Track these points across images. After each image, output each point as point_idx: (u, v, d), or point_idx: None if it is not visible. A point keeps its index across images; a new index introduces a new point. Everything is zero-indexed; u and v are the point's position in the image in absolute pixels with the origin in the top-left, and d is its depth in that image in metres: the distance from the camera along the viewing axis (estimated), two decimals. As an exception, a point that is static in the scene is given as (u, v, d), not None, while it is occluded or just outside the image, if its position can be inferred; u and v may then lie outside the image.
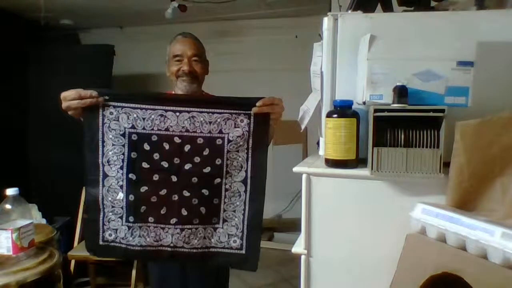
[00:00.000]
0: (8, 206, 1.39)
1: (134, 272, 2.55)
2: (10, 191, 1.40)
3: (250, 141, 1.24)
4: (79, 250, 2.51)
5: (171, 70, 1.49)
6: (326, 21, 1.06)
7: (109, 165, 1.22)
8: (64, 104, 1.17)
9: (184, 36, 1.52)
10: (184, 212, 1.24)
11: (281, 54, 3.82)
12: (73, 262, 2.59)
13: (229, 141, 1.22)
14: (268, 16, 3.80)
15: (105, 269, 2.89)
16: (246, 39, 4.01)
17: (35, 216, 2.65)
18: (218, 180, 1.25)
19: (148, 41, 3.76)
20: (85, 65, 3.10)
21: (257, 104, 1.19)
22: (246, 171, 1.26)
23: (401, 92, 0.91)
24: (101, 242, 1.25)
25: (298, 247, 1.07)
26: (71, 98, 1.16)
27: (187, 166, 1.23)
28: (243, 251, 1.27)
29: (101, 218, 1.24)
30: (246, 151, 1.25)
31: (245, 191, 1.27)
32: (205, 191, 1.25)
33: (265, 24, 3.91)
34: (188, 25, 3.27)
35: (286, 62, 3.70)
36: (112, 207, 1.24)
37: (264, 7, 3.55)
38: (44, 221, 2.78)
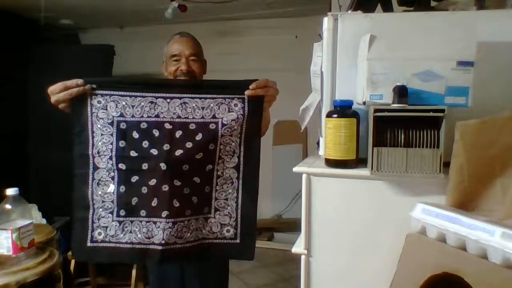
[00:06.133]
0: (8, 206, 1.38)
1: (134, 272, 2.55)
2: (10, 191, 1.39)
3: (244, 126, 1.20)
4: (79, 250, 2.51)
5: (169, 70, 1.48)
6: (326, 21, 1.06)
7: (99, 156, 1.18)
8: (53, 98, 1.16)
9: (182, 35, 1.52)
10: (176, 203, 1.19)
11: (281, 54, 3.82)
12: (73, 262, 2.59)
13: (223, 125, 1.18)
14: (268, 16, 3.80)
15: (105, 269, 2.89)
16: (246, 39, 4.01)
17: (35, 216, 2.64)
18: (210, 166, 1.21)
19: (148, 41, 3.76)
20: (85, 65, 3.10)
21: (250, 86, 1.18)
22: (238, 157, 1.22)
23: (401, 92, 0.91)
24: (89, 244, 1.20)
25: (298, 247, 1.06)
26: (58, 90, 1.15)
27: (178, 152, 1.18)
28: (238, 240, 1.23)
29: (90, 216, 1.20)
30: (239, 135, 1.21)
31: (238, 178, 1.23)
32: (197, 179, 1.21)
33: (265, 24, 3.91)
34: (188, 25, 3.27)
35: (286, 62, 3.70)
36: (102, 202, 1.19)
37: (264, 7, 3.55)
38: (44, 221, 2.77)
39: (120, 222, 1.20)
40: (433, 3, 1.23)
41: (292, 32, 3.82)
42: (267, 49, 3.90)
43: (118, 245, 1.20)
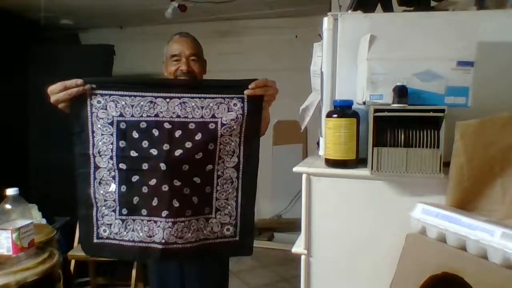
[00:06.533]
0: (8, 206, 1.39)
1: (134, 272, 2.55)
2: (10, 191, 1.39)
3: (244, 125, 1.21)
4: (79, 250, 2.50)
5: (169, 70, 1.49)
6: (326, 21, 1.05)
7: (100, 156, 1.19)
8: (53, 98, 1.16)
9: (182, 35, 1.52)
10: (175, 203, 1.19)
11: (281, 54, 3.83)
12: (73, 262, 2.60)
13: (222, 124, 1.19)
14: (268, 16, 3.81)
15: (105, 269, 2.90)
16: (246, 39, 4.01)
17: (35, 216, 2.65)
18: (210, 166, 1.21)
19: (148, 41, 3.76)
20: (85, 65, 3.10)
21: (250, 86, 1.18)
22: (238, 157, 1.23)
23: (401, 92, 0.91)
24: (95, 240, 1.22)
25: (298, 247, 1.06)
26: (57, 90, 1.16)
27: (178, 152, 1.18)
28: (237, 238, 1.25)
29: (94, 214, 1.21)
30: (239, 135, 1.22)
31: (237, 177, 1.24)
32: (197, 179, 1.21)
33: (265, 24, 3.92)
34: (188, 25, 3.28)
35: (286, 62, 3.71)
36: (105, 200, 1.21)
37: (264, 7, 3.55)
38: (44, 221, 2.78)
39: (123, 220, 1.22)
40: (433, 3, 1.23)
41: (292, 32, 3.83)
42: (267, 49, 3.91)
43: (121, 242, 1.22)
